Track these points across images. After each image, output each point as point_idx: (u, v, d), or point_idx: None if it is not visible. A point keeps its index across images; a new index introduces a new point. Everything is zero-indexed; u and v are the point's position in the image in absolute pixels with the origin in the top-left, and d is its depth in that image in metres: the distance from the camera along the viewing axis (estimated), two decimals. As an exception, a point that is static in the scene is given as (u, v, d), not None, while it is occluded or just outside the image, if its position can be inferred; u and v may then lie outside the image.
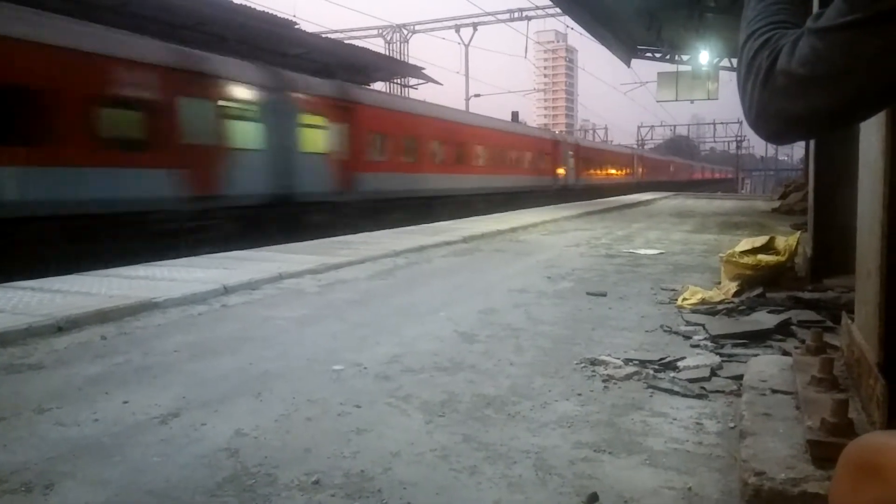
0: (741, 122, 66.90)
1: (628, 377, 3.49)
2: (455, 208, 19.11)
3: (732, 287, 5.54)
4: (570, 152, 33.25)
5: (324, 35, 21.83)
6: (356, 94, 16.51)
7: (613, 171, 42.19)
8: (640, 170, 49.33)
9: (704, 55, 20.06)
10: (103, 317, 4.92)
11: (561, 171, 31.55)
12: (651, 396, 3.22)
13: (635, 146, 66.13)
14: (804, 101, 0.81)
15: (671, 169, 61.78)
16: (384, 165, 17.26)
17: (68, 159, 9.26)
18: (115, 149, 9.91)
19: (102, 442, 2.71)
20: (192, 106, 11.21)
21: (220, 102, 11.86)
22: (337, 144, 15.08)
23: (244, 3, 14.16)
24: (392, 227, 13.34)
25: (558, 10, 21.26)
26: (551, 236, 11.96)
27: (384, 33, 32.62)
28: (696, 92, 23.03)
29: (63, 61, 9.18)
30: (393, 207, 17.02)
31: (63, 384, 3.48)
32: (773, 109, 0.85)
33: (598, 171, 38.76)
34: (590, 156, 37.43)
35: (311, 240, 10.85)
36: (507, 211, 18.78)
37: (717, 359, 3.79)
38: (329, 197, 14.76)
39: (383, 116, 17.29)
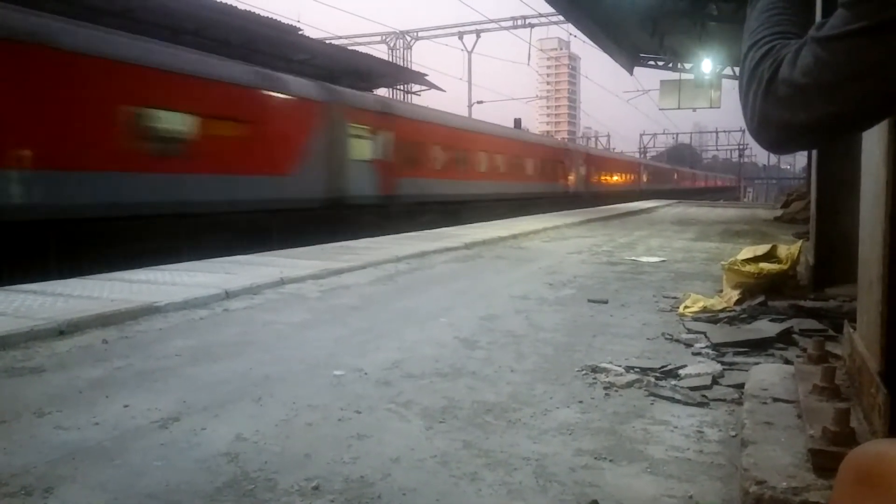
0: (743, 131, 66.80)
1: (629, 385, 3.48)
2: (471, 212, 19.69)
3: (734, 295, 5.53)
4: (581, 161, 33.71)
5: (328, 41, 21.93)
6: (397, 107, 17.86)
7: (620, 179, 42.59)
8: (645, 178, 49.57)
9: (707, 63, 20.07)
10: (105, 320, 4.92)
11: (572, 178, 32.32)
12: (652, 404, 3.21)
13: (637, 154, 66.32)
14: (806, 111, 0.80)
15: (674, 177, 61.98)
16: (422, 172, 18.35)
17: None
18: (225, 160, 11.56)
19: (103, 446, 2.71)
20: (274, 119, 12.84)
21: (289, 115, 13.34)
22: (381, 152, 16.18)
23: (249, 8, 14.25)
24: (427, 229, 14.29)
25: (561, 17, 21.34)
26: (553, 243, 11.96)
27: (388, 40, 32.67)
28: (698, 100, 23.04)
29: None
30: (427, 211, 18.08)
31: (64, 388, 3.48)
32: (775, 119, 0.85)
33: (606, 179, 39.24)
34: (598, 164, 37.86)
35: (362, 238, 11.86)
36: (515, 217, 19.15)
37: (719, 367, 3.78)
38: (375, 200, 15.84)
39: (421, 128, 18.39)
